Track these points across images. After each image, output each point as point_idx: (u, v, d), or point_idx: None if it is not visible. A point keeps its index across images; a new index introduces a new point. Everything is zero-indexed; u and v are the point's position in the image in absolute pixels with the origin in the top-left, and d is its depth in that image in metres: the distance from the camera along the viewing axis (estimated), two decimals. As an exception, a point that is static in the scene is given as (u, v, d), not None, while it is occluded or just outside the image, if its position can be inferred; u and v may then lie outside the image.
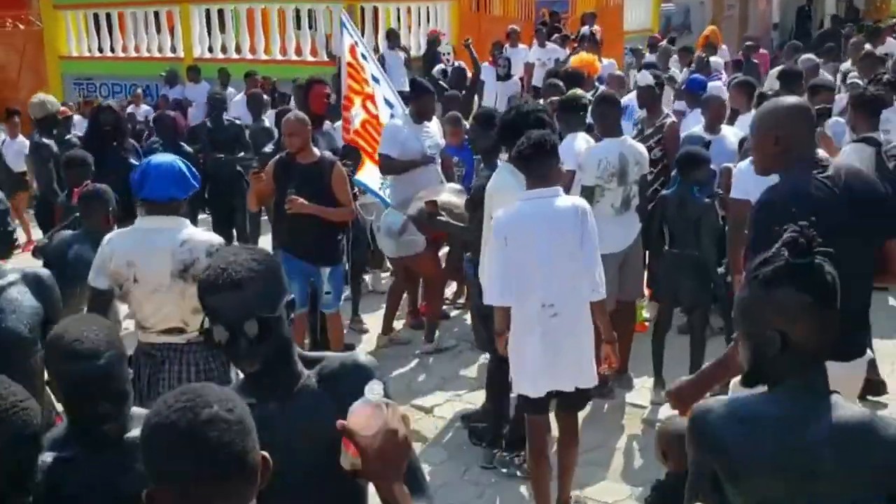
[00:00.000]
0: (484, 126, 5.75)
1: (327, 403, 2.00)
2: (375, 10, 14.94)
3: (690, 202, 5.58)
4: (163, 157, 4.04)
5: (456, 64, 13.81)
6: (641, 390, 5.98)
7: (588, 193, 5.48)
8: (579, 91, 7.01)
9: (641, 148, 5.96)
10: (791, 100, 3.53)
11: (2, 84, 17.54)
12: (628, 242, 5.78)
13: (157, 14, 15.98)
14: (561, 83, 7.83)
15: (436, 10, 15.86)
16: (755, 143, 3.45)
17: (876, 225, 3.16)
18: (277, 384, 2.07)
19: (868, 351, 3.44)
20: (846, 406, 2.08)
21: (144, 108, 14.23)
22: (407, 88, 12.93)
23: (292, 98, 10.23)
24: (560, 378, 4.27)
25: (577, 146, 5.93)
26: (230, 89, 12.71)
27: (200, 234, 3.97)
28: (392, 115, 7.58)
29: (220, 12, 15.47)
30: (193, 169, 4.04)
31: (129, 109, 13.80)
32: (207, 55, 15.44)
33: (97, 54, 16.68)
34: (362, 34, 14.53)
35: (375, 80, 7.79)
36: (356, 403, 1.78)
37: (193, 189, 3.99)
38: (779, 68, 8.75)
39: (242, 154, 8.62)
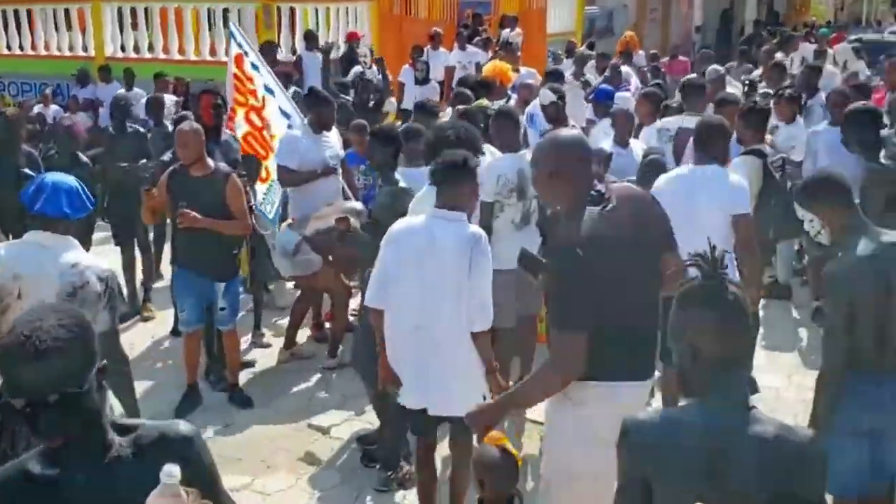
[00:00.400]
0: (381, 141, 5.63)
1: (143, 475, 1.86)
2: (292, 11, 14.70)
3: None
4: (60, 176, 3.92)
5: (374, 68, 13.72)
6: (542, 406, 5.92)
7: (487, 209, 5.42)
8: (484, 102, 6.97)
9: None
10: (565, 133, 3.56)
11: None
12: None
13: (67, 11, 15.50)
14: (469, 92, 7.75)
15: (355, 12, 15.64)
16: (533, 178, 3.49)
17: (655, 244, 3.30)
18: (86, 455, 1.93)
19: (656, 371, 3.53)
20: (762, 418, 2.22)
21: (54, 108, 13.77)
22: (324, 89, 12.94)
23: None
24: (430, 400, 4.21)
25: None
26: (136, 90, 12.38)
27: (91, 258, 3.85)
28: (290, 126, 7.37)
29: (133, 10, 15.05)
30: (88, 192, 3.93)
31: (38, 109, 13.38)
32: (120, 54, 15.02)
33: (5, 52, 16.13)
34: (278, 34, 14.37)
35: (269, 90, 7.56)
36: (153, 492, 1.66)
37: (86, 211, 3.86)
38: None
39: (145, 161, 8.34)
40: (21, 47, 16.02)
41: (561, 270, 3.17)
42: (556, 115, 7.04)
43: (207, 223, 5.69)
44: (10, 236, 5.56)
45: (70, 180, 3.88)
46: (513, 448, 3.35)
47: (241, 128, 7.34)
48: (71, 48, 15.60)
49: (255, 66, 7.55)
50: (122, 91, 11.67)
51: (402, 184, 5.35)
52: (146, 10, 14.90)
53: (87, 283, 3.62)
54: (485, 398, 4.00)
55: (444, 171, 4.15)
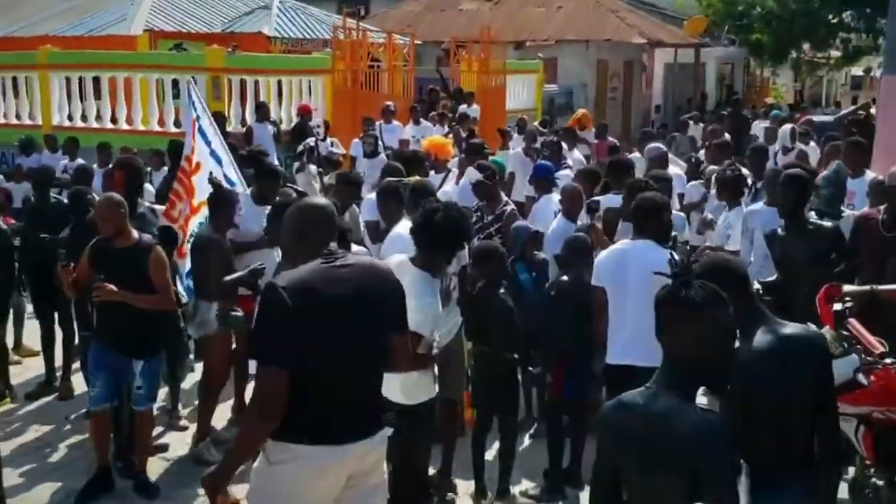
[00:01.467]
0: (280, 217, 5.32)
1: None
2: (243, 82, 14.57)
3: (486, 302, 5.28)
4: None
5: (328, 140, 13.58)
6: (463, 498, 5.59)
7: None
8: (413, 178, 6.76)
9: None
10: (311, 202, 3.85)
11: None
12: (449, 338, 5.43)
13: (15, 80, 15.29)
14: (399, 165, 7.54)
15: (308, 84, 15.58)
16: (283, 239, 3.75)
17: (379, 316, 3.44)
18: None
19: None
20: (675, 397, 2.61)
21: (-2, 178, 13.47)
22: (276, 161, 12.74)
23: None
24: None
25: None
26: (79, 160, 12.08)
27: None
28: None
29: (81, 80, 14.86)
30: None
31: (-20, 178, 13.05)
32: (66, 123, 14.77)
33: (-49, 119, 15.86)
34: (229, 106, 14.22)
35: (215, 156, 7.34)
36: None
37: None
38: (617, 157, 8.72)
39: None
40: (-33, 114, 15.76)
41: (264, 305, 3.29)
42: (485, 192, 6.90)
43: (122, 296, 5.38)
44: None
45: None
46: None
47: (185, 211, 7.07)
48: (17, 117, 15.34)
49: (202, 132, 7.32)
50: (45, 162, 11.43)
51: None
52: (95, 79, 14.70)
53: None
54: None
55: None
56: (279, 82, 15.11)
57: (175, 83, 13.99)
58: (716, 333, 2.62)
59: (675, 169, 9.05)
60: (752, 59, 36.52)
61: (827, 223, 5.73)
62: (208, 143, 7.20)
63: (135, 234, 5.66)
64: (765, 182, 7.16)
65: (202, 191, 7.01)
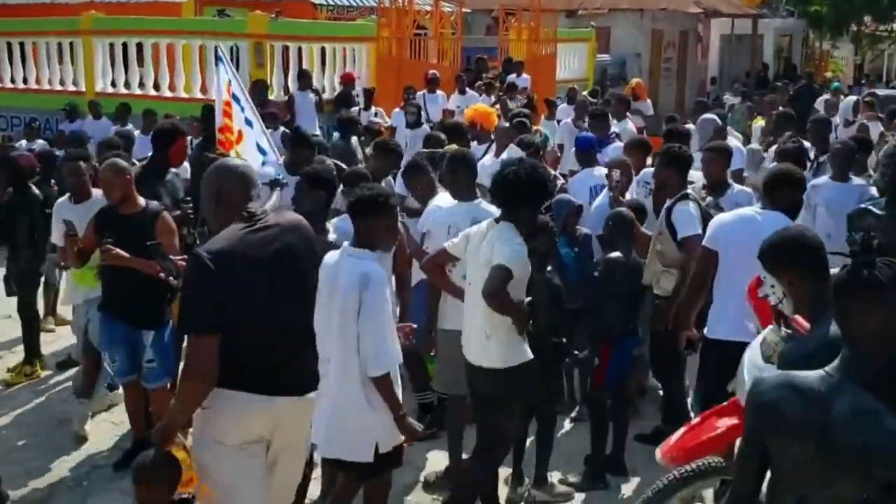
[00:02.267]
0: (310, 185, 5.07)
1: None
2: (286, 50, 14.29)
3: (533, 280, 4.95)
4: None
5: (373, 110, 13.29)
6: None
7: None
8: (454, 147, 6.49)
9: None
10: (229, 162, 3.91)
11: None
12: None
13: (59, 46, 15.19)
14: (442, 135, 7.24)
15: (353, 52, 15.26)
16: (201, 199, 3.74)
17: (305, 272, 3.61)
18: None
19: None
20: (865, 395, 2.29)
21: (39, 142, 13.42)
22: (318, 131, 12.51)
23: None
24: (317, 438, 4.01)
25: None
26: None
27: None
28: (264, 163, 7.03)
29: (125, 46, 14.71)
30: None
31: (23, 143, 13.01)
32: (110, 90, 14.65)
33: (-4, 85, 15.86)
34: (271, 74, 13.98)
35: (249, 123, 7.21)
36: None
37: None
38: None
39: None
40: (13, 80, 15.71)
41: (189, 276, 3.43)
42: None
43: (130, 261, 5.16)
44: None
45: None
46: (182, 456, 3.44)
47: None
48: (62, 83, 15.26)
49: (235, 98, 7.23)
50: (88, 128, 11.34)
51: (331, 236, 4.75)
52: (138, 45, 14.54)
53: None
54: (377, 448, 3.97)
55: (357, 205, 4.12)
56: (322, 49, 14.80)
57: (216, 49, 13.76)
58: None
59: (734, 141, 8.62)
60: (810, 31, 35.39)
61: None
62: (242, 110, 7.08)
63: (141, 200, 5.49)
64: (830, 155, 6.71)
65: (251, 160, 6.90)
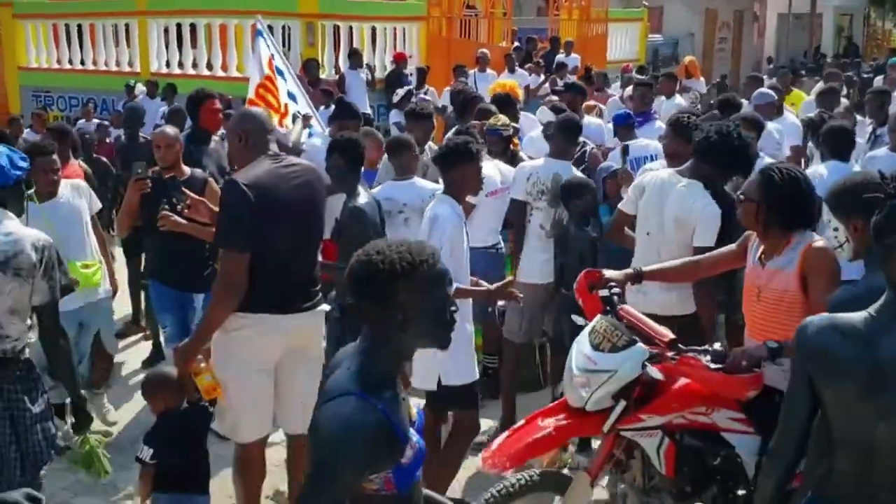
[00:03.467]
0: (338, 150, 5.01)
1: None
2: (336, 29, 14.35)
3: (572, 235, 5.10)
4: None
5: (426, 88, 13.30)
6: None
7: (518, 207, 5.62)
8: (502, 119, 6.50)
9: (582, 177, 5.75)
10: (252, 109, 4.83)
11: (-37, 94, 17.10)
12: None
13: (115, 27, 15.42)
14: (493, 107, 7.23)
15: (403, 32, 15.26)
16: (229, 142, 4.40)
17: (316, 211, 4.13)
18: None
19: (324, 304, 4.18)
20: None
21: (96, 122, 13.67)
22: (368, 110, 12.56)
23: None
24: None
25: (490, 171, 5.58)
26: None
27: (27, 228, 3.67)
28: (310, 135, 7.09)
29: (178, 26, 14.88)
30: (18, 159, 3.62)
31: (80, 124, 13.26)
32: (164, 70, 14.84)
33: (55, 66, 16.11)
34: (322, 52, 14.05)
35: (292, 96, 7.28)
36: None
37: (11, 179, 3.56)
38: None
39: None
40: (70, 62, 15.99)
41: (227, 199, 3.85)
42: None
43: (190, 227, 5.22)
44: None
45: None
46: (204, 367, 3.90)
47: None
48: (118, 63, 15.50)
49: (279, 71, 7.31)
50: (132, 103, 11.52)
51: (362, 199, 4.77)
52: (192, 25, 14.70)
53: (21, 251, 3.44)
54: (440, 380, 4.42)
55: (442, 156, 4.51)
56: (373, 29, 14.82)
57: (270, 29, 13.86)
58: None
59: (791, 118, 8.48)
60: (872, 9, 34.54)
61: None
62: (286, 83, 7.14)
63: (187, 169, 5.60)
64: (890, 127, 6.56)
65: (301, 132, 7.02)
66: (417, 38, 15.39)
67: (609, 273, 3.88)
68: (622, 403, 3.52)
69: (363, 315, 2.27)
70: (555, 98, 8.71)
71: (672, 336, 3.59)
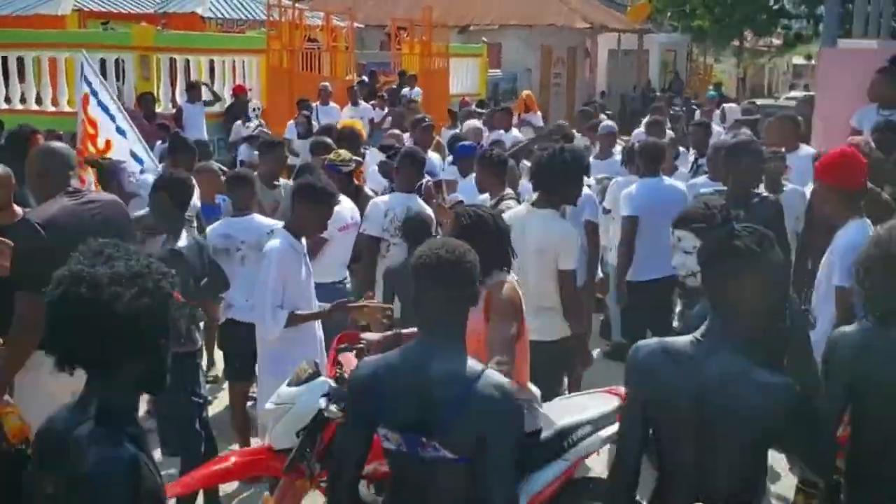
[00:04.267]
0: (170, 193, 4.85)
1: None
2: (173, 62, 14.05)
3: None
4: None
5: (260, 123, 13.16)
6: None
7: (373, 243, 5.69)
8: (343, 153, 6.50)
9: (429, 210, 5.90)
10: (55, 145, 4.46)
11: None
12: None
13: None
14: (328, 140, 7.23)
15: (242, 64, 15.10)
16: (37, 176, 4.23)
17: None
18: None
19: None
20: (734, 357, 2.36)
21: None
22: (206, 140, 12.30)
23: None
24: None
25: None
26: None
27: None
28: (142, 171, 6.87)
29: (4, 60, 14.19)
30: None
31: None
32: (-7, 106, 14.11)
33: None
34: (158, 86, 13.70)
35: (122, 132, 7.00)
36: None
37: None
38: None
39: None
40: None
41: (20, 240, 3.86)
42: (388, 171, 6.97)
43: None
44: None
45: None
46: (11, 410, 3.66)
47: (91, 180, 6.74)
48: (-65, 98, 14.62)
49: (103, 107, 6.98)
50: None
51: (182, 241, 4.57)
52: (19, 59, 14.05)
53: None
54: None
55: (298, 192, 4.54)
56: (211, 62, 14.60)
57: (103, 63, 13.43)
58: (768, 280, 2.39)
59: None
60: (694, 45, 36.69)
61: None
62: (112, 119, 6.86)
63: (18, 210, 5.25)
64: (708, 157, 7.01)
65: (132, 167, 6.79)
66: (258, 71, 15.25)
67: (368, 335, 3.82)
68: (298, 442, 3.32)
69: None
70: (396, 131, 8.83)
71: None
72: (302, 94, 13.94)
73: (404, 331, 3.82)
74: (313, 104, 13.51)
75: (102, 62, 13.72)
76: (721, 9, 31.85)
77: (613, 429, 3.59)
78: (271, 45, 15.33)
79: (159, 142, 9.65)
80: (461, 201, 6.19)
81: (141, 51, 13.43)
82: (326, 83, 14.37)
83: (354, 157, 6.49)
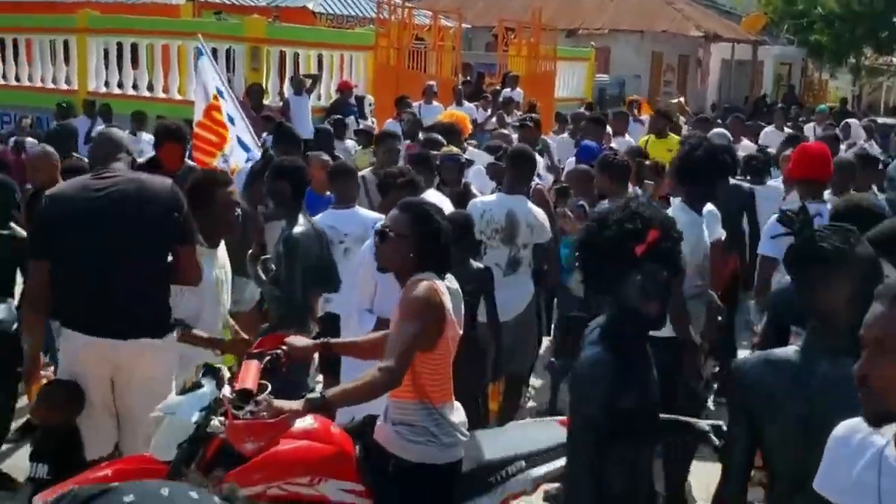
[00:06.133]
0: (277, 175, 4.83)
1: None
2: (282, 55, 14.14)
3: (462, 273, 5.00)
4: None
5: (371, 121, 13.14)
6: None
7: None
8: (454, 149, 6.34)
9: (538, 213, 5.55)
10: (109, 131, 4.66)
11: None
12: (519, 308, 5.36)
13: (53, 43, 14.99)
14: (439, 136, 7.09)
15: (350, 60, 15.09)
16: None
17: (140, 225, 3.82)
18: None
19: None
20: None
21: (30, 140, 13.21)
22: (311, 136, 12.33)
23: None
24: None
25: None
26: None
27: None
28: (248, 160, 6.87)
29: (119, 46, 14.52)
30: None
31: (12, 141, 12.80)
32: (102, 89, 14.44)
33: (-11, 82, 15.64)
34: (267, 78, 13.80)
35: (231, 120, 7.06)
36: None
37: None
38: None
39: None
40: (4, 77, 15.49)
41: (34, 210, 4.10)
42: (498, 174, 6.64)
43: None
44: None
45: None
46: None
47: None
48: (54, 81, 15.05)
49: (220, 92, 7.10)
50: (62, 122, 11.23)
51: (300, 228, 4.53)
52: (133, 45, 14.36)
53: None
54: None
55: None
56: (320, 56, 14.64)
57: (214, 52, 13.59)
58: (859, 277, 2.31)
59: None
60: (810, 60, 35.43)
61: None
62: (225, 104, 6.96)
63: None
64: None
65: (236, 156, 6.82)
66: (364, 68, 15.23)
67: (293, 340, 3.41)
68: (175, 457, 3.02)
69: None
70: (504, 131, 8.61)
71: (247, 386, 3.01)
72: (407, 92, 13.85)
73: (333, 340, 3.59)
74: (415, 103, 13.42)
75: (214, 52, 13.87)
76: (841, 24, 30.66)
77: (546, 468, 3.35)
78: (379, 43, 15.31)
79: (265, 133, 9.66)
80: (582, 205, 5.90)
81: (252, 42, 13.55)
82: (433, 82, 14.25)
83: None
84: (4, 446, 5.34)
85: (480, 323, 4.87)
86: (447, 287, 3.17)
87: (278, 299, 4.54)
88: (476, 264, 4.89)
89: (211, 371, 3.10)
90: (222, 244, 4.21)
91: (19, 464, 5.30)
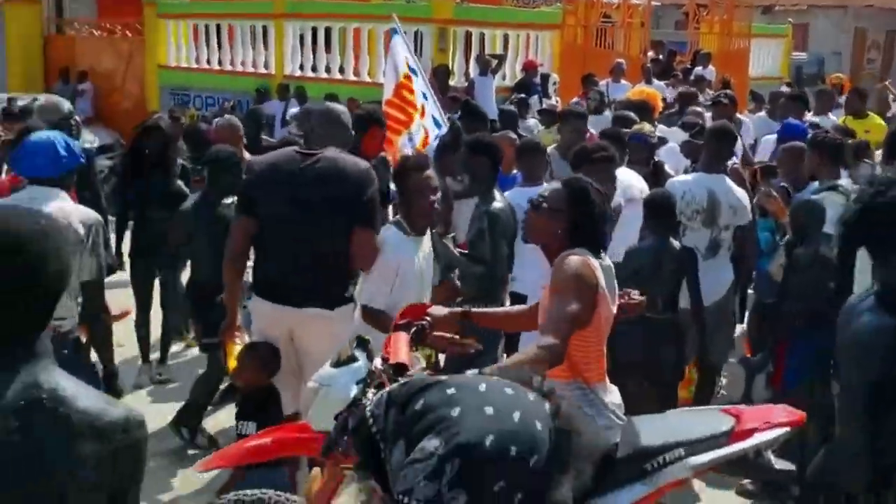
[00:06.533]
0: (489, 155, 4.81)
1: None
2: (468, 35, 14.18)
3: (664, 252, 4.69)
4: (39, 135, 3.91)
5: (556, 99, 13.01)
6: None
7: None
8: (647, 126, 6.14)
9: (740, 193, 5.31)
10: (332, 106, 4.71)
11: (109, 90, 17.71)
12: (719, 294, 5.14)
13: (252, 28, 15.66)
14: (632, 114, 6.89)
15: (536, 39, 14.95)
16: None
17: (335, 204, 4.02)
18: None
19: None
20: None
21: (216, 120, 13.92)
22: (496, 116, 12.34)
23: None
24: None
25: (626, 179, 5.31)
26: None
27: (77, 206, 3.97)
28: (438, 137, 6.95)
29: (314, 30, 15.00)
30: (73, 146, 3.88)
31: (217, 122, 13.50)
32: (298, 73, 14.98)
33: (194, 65, 16.49)
34: (453, 59, 13.89)
35: (424, 96, 7.17)
36: None
37: (68, 167, 3.84)
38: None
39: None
40: (208, 61, 16.32)
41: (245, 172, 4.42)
42: (695, 151, 6.40)
43: None
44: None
45: (50, 136, 3.85)
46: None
47: (419, 133, 7.08)
48: (253, 65, 15.72)
49: (413, 70, 7.25)
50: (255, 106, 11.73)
51: (498, 204, 4.50)
52: (327, 29, 14.79)
53: (68, 225, 3.59)
54: None
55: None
56: (506, 36, 14.58)
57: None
58: None
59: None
60: None
61: None
62: (419, 80, 7.08)
63: (248, 156, 5.79)
64: None
65: (431, 131, 6.96)
66: (551, 47, 15.06)
67: (434, 310, 3.37)
68: (333, 427, 2.92)
69: None
70: (698, 109, 8.28)
71: (401, 359, 2.93)
72: (594, 70, 13.59)
73: (474, 310, 3.51)
74: (602, 81, 13.15)
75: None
76: None
77: (708, 457, 3.14)
78: (566, 21, 15.10)
79: (450, 114, 9.73)
80: (784, 186, 5.58)
81: (440, 23, 13.65)
82: (621, 60, 13.93)
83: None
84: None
85: (682, 308, 4.68)
86: (600, 264, 3.08)
87: (481, 276, 4.53)
88: (676, 244, 4.70)
89: (362, 343, 3.11)
90: (428, 233, 4.20)
91: (220, 425, 5.58)
